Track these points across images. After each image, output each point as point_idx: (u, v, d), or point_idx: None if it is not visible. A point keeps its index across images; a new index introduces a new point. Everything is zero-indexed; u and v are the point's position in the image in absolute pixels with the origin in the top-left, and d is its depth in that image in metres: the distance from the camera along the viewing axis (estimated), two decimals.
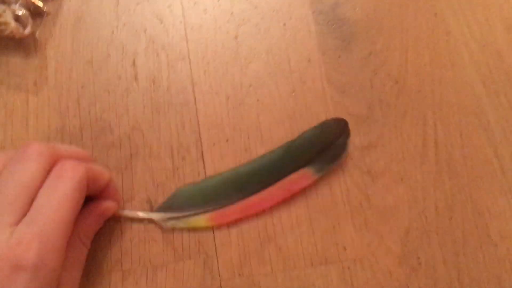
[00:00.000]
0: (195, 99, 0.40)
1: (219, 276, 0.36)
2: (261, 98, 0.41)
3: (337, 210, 0.38)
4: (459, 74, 0.42)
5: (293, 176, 0.37)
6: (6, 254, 0.26)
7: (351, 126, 0.40)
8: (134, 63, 0.41)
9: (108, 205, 0.35)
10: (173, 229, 0.37)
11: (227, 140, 0.39)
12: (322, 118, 0.40)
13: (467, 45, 0.43)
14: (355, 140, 0.40)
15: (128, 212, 0.36)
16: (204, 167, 0.38)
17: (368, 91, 0.41)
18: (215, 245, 0.37)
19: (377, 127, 0.40)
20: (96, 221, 0.34)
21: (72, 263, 0.31)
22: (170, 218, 0.36)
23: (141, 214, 0.36)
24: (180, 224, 0.36)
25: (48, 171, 0.30)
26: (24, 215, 0.28)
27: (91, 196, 0.34)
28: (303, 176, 0.37)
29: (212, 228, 0.37)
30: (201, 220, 0.37)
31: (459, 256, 0.37)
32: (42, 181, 0.29)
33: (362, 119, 0.40)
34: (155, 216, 0.36)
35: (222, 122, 0.40)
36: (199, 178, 0.38)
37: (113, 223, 0.37)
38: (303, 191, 0.38)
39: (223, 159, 0.39)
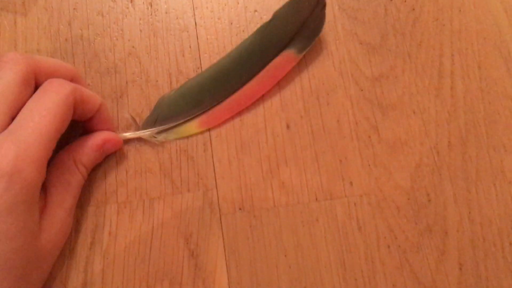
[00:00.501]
0: (195, 24, 0.38)
1: (219, 210, 0.34)
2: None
3: (345, 143, 0.36)
4: (481, 2, 0.39)
5: (276, 61, 0.35)
6: None
7: (362, 55, 0.37)
8: None
9: (109, 139, 0.33)
10: (163, 142, 0.35)
11: None
12: (333, 48, 0.37)
13: None
14: (366, 71, 0.37)
15: None
16: None
17: (381, 18, 0.38)
18: (215, 178, 0.35)
19: (390, 57, 0.37)
20: (94, 152, 0.32)
21: (64, 186, 0.30)
22: (159, 132, 0.34)
23: (128, 135, 0.34)
24: (172, 135, 0.35)
25: (27, 84, 0.28)
26: (2, 126, 0.27)
27: (86, 128, 0.32)
28: (286, 58, 0.35)
29: (205, 132, 0.35)
30: (192, 126, 0.35)
31: (471, 193, 0.35)
32: (21, 93, 0.28)
33: (374, 48, 0.38)
34: (142, 133, 0.34)
35: (225, 49, 0.37)
36: None
37: (108, 154, 0.35)
38: (309, 125, 0.36)
39: None
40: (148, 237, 0.34)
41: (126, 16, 0.37)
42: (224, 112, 0.35)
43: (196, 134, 0.35)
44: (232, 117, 0.36)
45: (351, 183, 0.35)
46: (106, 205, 0.34)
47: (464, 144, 0.36)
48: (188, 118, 0.35)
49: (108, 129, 0.33)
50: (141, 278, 0.33)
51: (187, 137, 0.35)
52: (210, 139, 0.35)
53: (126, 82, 0.36)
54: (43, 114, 0.27)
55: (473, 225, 0.35)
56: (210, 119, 0.35)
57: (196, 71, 0.36)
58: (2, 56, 0.28)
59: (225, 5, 0.38)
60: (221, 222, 0.34)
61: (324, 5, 0.36)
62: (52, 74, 0.30)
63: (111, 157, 0.35)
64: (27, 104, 0.27)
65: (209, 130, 0.36)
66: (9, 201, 0.25)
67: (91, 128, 0.33)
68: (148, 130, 0.34)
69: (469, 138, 0.36)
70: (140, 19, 0.37)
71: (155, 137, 0.34)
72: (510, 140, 0.36)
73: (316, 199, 0.35)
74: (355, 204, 0.35)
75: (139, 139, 0.35)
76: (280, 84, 0.37)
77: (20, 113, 0.27)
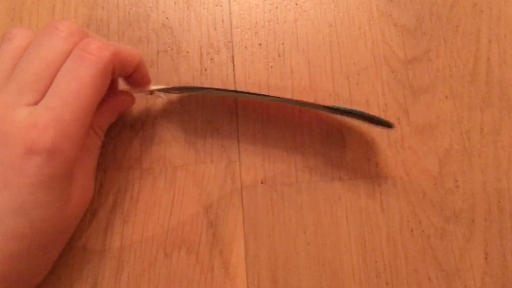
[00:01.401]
0: None
1: (241, 182, 0.34)
2: (300, 3, 0.38)
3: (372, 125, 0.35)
4: None
5: None
6: (21, 135, 0.25)
7: (396, 38, 0.37)
8: None
9: (125, 99, 0.33)
10: (190, 112, 0.35)
11: (260, 44, 0.37)
12: (366, 28, 0.37)
13: None
14: (399, 53, 0.36)
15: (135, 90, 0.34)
16: (233, 70, 0.36)
17: (418, 1, 0.38)
18: (239, 150, 0.35)
19: (424, 40, 0.37)
20: (111, 113, 0.33)
21: (84, 151, 0.30)
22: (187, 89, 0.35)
23: (154, 88, 0.34)
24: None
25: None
26: (44, 95, 0.27)
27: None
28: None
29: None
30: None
31: (501, 182, 0.34)
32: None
33: (409, 31, 0.37)
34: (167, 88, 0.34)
35: (257, 25, 0.37)
36: (227, 81, 0.36)
37: (134, 121, 0.35)
38: (337, 103, 0.35)
39: (254, 64, 0.36)
40: (169, 204, 0.34)
41: None
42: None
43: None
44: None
45: (376, 164, 0.35)
46: (130, 170, 0.34)
47: (497, 132, 0.35)
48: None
49: (143, 84, 0.33)
50: (158, 244, 0.33)
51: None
52: (237, 112, 0.35)
53: (158, 52, 0.37)
54: (82, 89, 0.26)
55: (502, 215, 0.34)
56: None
57: (227, 45, 0.37)
58: (58, 24, 0.27)
59: None
60: (242, 195, 0.34)
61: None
62: (125, 64, 0.30)
63: (137, 123, 0.35)
64: (64, 71, 0.27)
65: (235, 102, 0.36)
66: (47, 174, 0.25)
67: (126, 81, 0.33)
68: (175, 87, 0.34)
69: (502, 126, 0.35)
70: None
71: (184, 91, 0.34)
72: None
73: (340, 178, 0.34)
74: (379, 185, 0.34)
75: (164, 91, 0.35)
76: (310, 61, 0.36)
77: (58, 81, 0.27)
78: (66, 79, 0.26)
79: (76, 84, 0.26)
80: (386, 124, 0.32)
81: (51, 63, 0.27)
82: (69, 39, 0.27)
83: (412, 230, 0.33)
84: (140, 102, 0.35)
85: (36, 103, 0.26)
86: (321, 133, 0.35)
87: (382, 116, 0.35)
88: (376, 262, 0.33)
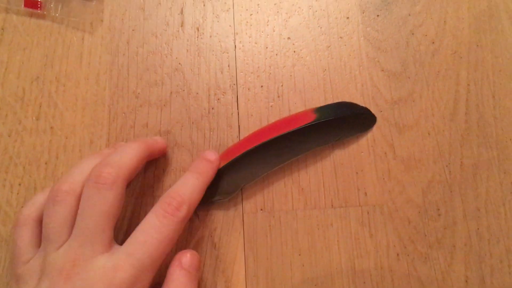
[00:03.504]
0: (235, 47, 0.42)
1: (242, 208, 0.38)
2: (297, 50, 0.42)
3: (361, 157, 0.39)
4: (498, 38, 0.42)
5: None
6: (102, 279, 0.28)
7: (383, 81, 0.41)
8: (181, 12, 0.44)
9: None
10: (196, 143, 0.39)
11: (261, 86, 0.41)
12: (356, 72, 0.41)
13: (508, 12, 0.42)
14: (386, 94, 0.40)
15: None
16: (237, 109, 0.40)
17: (403, 49, 0.42)
18: None
19: (409, 84, 0.41)
20: None
21: None
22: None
23: None
24: None
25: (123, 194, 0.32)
26: (111, 240, 0.30)
27: None
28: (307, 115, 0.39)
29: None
30: None
31: (480, 211, 0.37)
32: (120, 207, 0.31)
33: (395, 75, 0.41)
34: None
35: (259, 69, 0.42)
36: (232, 118, 0.40)
37: None
38: None
39: (256, 103, 0.41)
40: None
41: (176, 38, 0.43)
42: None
43: None
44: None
45: (365, 193, 0.38)
46: (143, 197, 0.38)
47: (476, 165, 0.38)
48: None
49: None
50: (167, 263, 0.36)
51: None
52: None
53: (171, 93, 0.41)
54: (161, 241, 0.30)
55: (481, 241, 0.36)
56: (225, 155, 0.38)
57: (232, 86, 0.41)
58: (98, 177, 0.30)
59: (262, 32, 0.43)
60: (243, 220, 0.37)
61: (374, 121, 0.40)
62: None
63: (152, 160, 0.39)
64: (147, 226, 0.30)
65: (239, 138, 0.40)
66: None
67: None
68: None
69: (480, 160, 0.38)
70: (187, 40, 0.43)
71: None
72: None
73: (332, 205, 0.38)
74: (368, 213, 0.37)
75: None
76: (306, 101, 0.40)
77: (142, 232, 0.30)
78: (149, 230, 0.30)
79: (158, 237, 0.30)
80: (371, 117, 0.39)
81: (108, 214, 0.30)
82: (113, 187, 0.31)
83: (398, 254, 0.36)
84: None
85: (107, 251, 0.30)
86: (315, 165, 0.39)
87: (370, 152, 0.39)
88: (364, 283, 0.36)
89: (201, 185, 0.34)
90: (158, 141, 0.37)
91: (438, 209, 0.37)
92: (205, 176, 0.34)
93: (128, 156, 0.32)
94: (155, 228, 0.30)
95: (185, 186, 0.33)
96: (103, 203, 0.30)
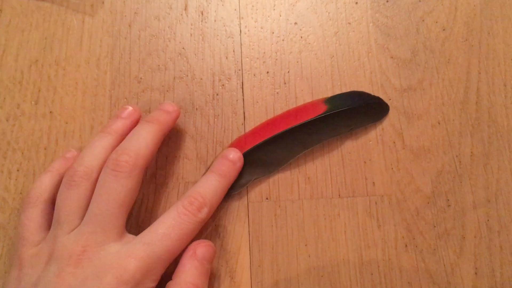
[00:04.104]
0: (240, 31, 0.41)
1: (247, 197, 0.37)
2: (304, 36, 0.41)
3: (370, 146, 0.38)
4: (510, 27, 0.41)
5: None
6: (114, 265, 0.28)
7: (393, 68, 0.39)
8: None
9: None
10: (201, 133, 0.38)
11: (267, 72, 0.40)
12: (365, 59, 0.40)
13: None
14: (395, 82, 0.39)
15: None
16: (242, 95, 0.39)
17: (413, 36, 0.41)
18: None
19: (418, 71, 0.40)
20: None
21: None
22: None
23: None
24: None
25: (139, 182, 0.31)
26: (123, 228, 0.30)
27: None
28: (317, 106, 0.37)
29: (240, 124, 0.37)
30: None
31: (490, 202, 0.36)
32: (135, 196, 0.31)
33: (405, 62, 0.40)
34: None
35: (265, 55, 0.41)
36: (237, 105, 0.39)
37: None
38: None
39: (262, 90, 0.39)
40: None
41: (179, 21, 0.41)
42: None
43: None
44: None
45: (373, 183, 0.37)
46: (146, 184, 0.37)
47: (486, 155, 0.37)
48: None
49: None
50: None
51: None
52: (244, 132, 0.38)
53: (174, 78, 0.40)
54: (180, 236, 0.30)
55: (491, 232, 0.36)
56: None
57: (237, 72, 0.40)
58: (116, 165, 0.30)
59: (268, 16, 0.41)
60: (248, 209, 0.37)
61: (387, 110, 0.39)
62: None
63: None
64: (170, 219, 0.30)
65: (244, 124, 0.39)
66: None
67: None
68: None
69: (491, 151, 0.37)
70: (191, 24, 0.41)
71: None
72: None
73: (339, 195, 0.37)
74: (376, 203, 0.37)
75: None
76: (313, 89, 0.39)
77: (161, 225, 0.30)
78: (170, 224, 0.30)
79: (176, 231, 0.30)
80: (384, 106, 0.38)
81: (123, 202, 0.30)
82: (131, 175, 0.30)
83: (406, 246, 0.35)
84: None
85: (121, 238, 0.30)
86: (322, 154, 0.38)
87: (379, 140, 0.38)
88: (372, 274, 0.35)
89: (222, 188, 0.33)
90: (171, 113, 0.35)
91: (448, 200, 0.36)
92: (227, 178, 0.34)
93: (145, 142, 0.32)
94: (176, 222, 0.30)
95: (208, 188, 0.32)
96: (120, 191, 0.30)
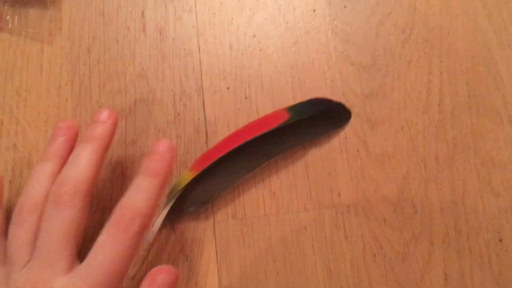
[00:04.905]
0: (199, 48, 0.41)
1: (213, 217, 0.37)
2: (263, 48, 0.40)
3: (334, 156, 0.37)
4: (470, 23, 0.40)
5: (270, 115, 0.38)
6: None
7: (353, 75, 0.39)
8: (142, 15, 0.42)
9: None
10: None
11: (228, 88, 0.40)
12: (325, 68, 0.40)
13: None
14: (357, 89, 0.39)
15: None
16: (204, 114, 0.39)
17: (372, 40, 0.40)
18: None
19: (379, 76, 0.39)
20: None
21: None
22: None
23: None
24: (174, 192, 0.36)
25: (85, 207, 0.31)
26: (73, 258, 0.30)
27: None
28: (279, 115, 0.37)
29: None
30: (185, 176, 0.36)
31: (458, 206, 0.36)
32: (83, 222, 0.30)
33: (365, 68, 0.39)
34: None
35: (224, 71, 0.40)
36: (199, 124, 0.39)
37: (115, 166, 0.38)
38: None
39: (223, 106, 0.39)
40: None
41: (137, 42, 0.41)
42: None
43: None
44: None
45: (339, 194, 0.37)
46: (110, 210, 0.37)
47: (452, 158, 0.37)
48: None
49: None
50: (138, 279, 0.35)
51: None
52: (208, 148, 0.38)
53: (135, 101, 0.39)
54: (116, 261, 0.28)
55: (459, 236, 0.35)
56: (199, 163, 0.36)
57: (198, 90, 0.39)
58: (58, 198, 0.30)
59: (227, 31, 0.41)
60: (214, 229, 0.36)
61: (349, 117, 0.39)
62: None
63: (117, 168, 0.38)
64: (103, 245, 0.29)
65: (207, 143, 0.38)
66: None
67: None
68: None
69: (456, 152, 0.37)
70: (150, 45, 0.41)
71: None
72: (498, 154, 0.36)
73: (305, 208, 0.36)
74: (342, 214, 0.36)
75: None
76: (274, 102, 0.39)
77: (96, 253, 0.29)
78: (106, 252, 0.28)
79: (113, 256, 0.28)
80: (346, 112, 0.38)
81: (68, 233, 0.29)
82: (72, 204, 0.30)
83: (374, 255, 0.35)
84: (120, 149, 0.38)
85: (69, 269, 0.29)
86: (286, 167, 0.37)
87: (343, 149, 0.37)
88: (341, 287, 0.35)
89: (155, 188, 0.30)
90: (107, 122, 0.33)
91: (414, 206, 0.35)
92: (159, 176, 0.31)
93: (84, 166, 0.31)
94: (108, 248, 0.28)
95: (136, 195, 0.30)
96: (62, 222, 0.29)
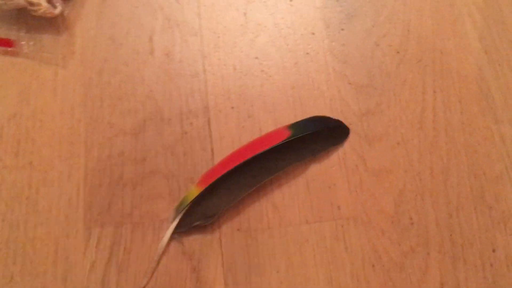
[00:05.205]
0: (204, 70, 0.43)
1: (219, 230, 0.38)
2: (265, 69, 0.43)
3: (333, 171, 0.39)
4: (462, 43, 0.42)
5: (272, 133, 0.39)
6: None
7: (351, 94, 0.41)
8: (151, 39, 0.44)
9: None
10: (173, 172, 0.40)
11: (232, 107, 0.42)
12: (324, 87, 0.42)
13: (471, 15, 0.43)
14: (354, 107, 0.41)
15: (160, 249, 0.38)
16: (210, 131, 0.41)
17: (369, 61, 0.42)
18: None
19: (376, 95, 0.41)
20: None
21: None
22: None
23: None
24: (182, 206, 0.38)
25: None
26: None
27: None
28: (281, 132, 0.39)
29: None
30: (193, 191, 0.38)
31: (452, 218, 0.37)
32: None
33: (362, 87, 0.41)
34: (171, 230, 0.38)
35: (229, 91, 0.42)
36: (205, 141, 0.41)
37: (126, 182, 0.40)
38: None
39: (228, 124, 0.41)
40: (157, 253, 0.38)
41: (146, 65, 0.43)
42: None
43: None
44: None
45: (339, 207, 0.38)
46: (123, 225, 0.39)
47: (446, 172, 0.39)
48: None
49: None
50: None
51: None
52: (213, 164, 0.40)
53: (144, 120, 0.42)
54: None
55: (454, 247, 0.37)
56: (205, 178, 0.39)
57: (204, 110, 0.42)
58: None
59: (230, 53, 0.43)
60: (221, 241, 0.38)
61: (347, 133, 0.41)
62: None
63: (128, 184, 0.40)
64: None
65: (212, 159, 0.40)
66: None
67: None
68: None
69: (450, 167, 0.39)
70: (158, 67, 0.43)
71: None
72: (490, 168, 0.38)
73: (307, 221, 0.38)
74: (342, 226, 0.38)
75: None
76: (276, 119, 0.41)
77: None
78: None
79: None
80: (344, 129, 0.40)
81: None
82: None
83: (373, 266, 0.37)
84: (130, 166, 0.40)
85: None
86: (287, 182, 0.39)
87: (342, 165, 0.39)
88: None
89: None
90: None
91: (411, 218, 0.37)
92: None
93: None
94: None
95: None
96: None
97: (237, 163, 0.37)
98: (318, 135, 0.39)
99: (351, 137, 0.39)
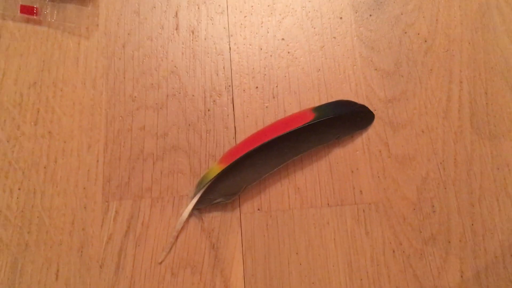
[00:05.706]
0: (230, 49, 0.43)
1: (240, 209, 0.38)
2: (291, 51, 0.42)
3: (357, 156, 0.39)
4: (490, 36, 0.42)
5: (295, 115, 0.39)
6: None
7: (377, 80, 0.41)
8: (176, 15, 0.44)
9: None
10: (194, 148, 0.39)
11: (256, 87, 0.41)
12: (350, 72, 0.41)
13: (500, 9, 0.43)
14: (380, 93, 0.41)
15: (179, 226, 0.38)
16: (233, 110, 0.41)
17: (396, 48, 0.42)
18: None
19: (402, 82, 0.41)
20: None
21: None
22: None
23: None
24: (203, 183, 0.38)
25: None
26: None
27: None
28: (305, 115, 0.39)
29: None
30: (214, 168, 0.38)
31: (474, 207, 0.37)
32: None
33: (388, 74, 0.41)
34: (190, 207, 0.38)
35: (253, 70, 0.42)
36: (228, 119, 0.40)
37: (146, 156, 0.40)
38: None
39: (251, 104, 0.41)
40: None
41: (171, 41, 0.43)
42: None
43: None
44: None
45: (361, 191, 0.38)
46: (142, 199, 0.38)
47: (469, 162, 0.38)
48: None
49: None
50: (166, 265, 0.36)
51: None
52: (236, 143, 0.40)
53: (167, 96, 0.41)
54: None
55: (475, 236, 0.37)
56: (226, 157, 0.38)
57: (228, 88, 0.41)
58: None
59: (256, 33, 0.43)
60: (240, 220, 0.38)
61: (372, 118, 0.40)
62: None
63: (148, 158, 0.39)
64: None
65: (235, 138, 0.40)
66: None
67: None
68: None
69: (474, 157, 0.39)
70: (182, 43, 0.43)
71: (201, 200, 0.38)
72: None
73: (328, 204, 0.38)
74: (363, 211, 0.38)
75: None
76: (300, 102, 0.41)
77: None
78: None
79: None
80: (369, 114, 0.39)
81: None
82: None
83: (393, 251, 0.37)
84: (151, 141, 0.40)
85: None
86: (310, 164, 0.39)
87: (365, 150, 0.39)
88: (361, 280, 0.36)
89: None
90: None
91: (433, 206, 0.37)
92: None
93: None
94: None
95: None
96: None
97: (260, 143, 0.37)
98: (342, 119, 0.38)
99: (376, 122, 0.39)
